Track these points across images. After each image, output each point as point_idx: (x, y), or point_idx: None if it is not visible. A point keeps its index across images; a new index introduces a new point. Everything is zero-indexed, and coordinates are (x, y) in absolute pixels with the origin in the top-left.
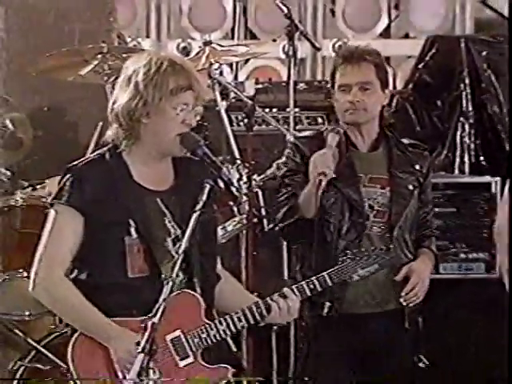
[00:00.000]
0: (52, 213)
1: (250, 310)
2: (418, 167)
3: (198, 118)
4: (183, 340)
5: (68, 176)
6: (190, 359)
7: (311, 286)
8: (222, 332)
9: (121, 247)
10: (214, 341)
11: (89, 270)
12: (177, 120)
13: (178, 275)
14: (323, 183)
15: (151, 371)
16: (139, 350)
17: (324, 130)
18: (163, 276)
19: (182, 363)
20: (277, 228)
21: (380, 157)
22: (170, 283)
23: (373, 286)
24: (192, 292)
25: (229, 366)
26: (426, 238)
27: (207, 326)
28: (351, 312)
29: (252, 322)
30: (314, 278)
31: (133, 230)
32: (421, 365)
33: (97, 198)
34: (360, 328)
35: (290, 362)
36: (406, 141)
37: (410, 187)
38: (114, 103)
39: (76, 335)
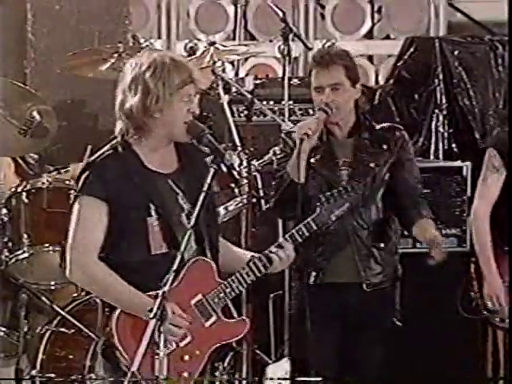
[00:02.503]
0: (77, 205)
1: (255, 264)
2: (385, 147)
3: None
4: (205, 302)
5: (88, 171)
6: (214, 318)
7: (300, 233)
8: (235, 288)
9: (143, 228)
10: (231, 297)
11: (115, 253)
12: (183, 110)
13: (186, 248)
14: (304, 143)
15: (162, 337)
16: (151, 316)
17: None
18: (173, 251)
19: (207, 323)
20: (271, 204)
21: (352, 142)
22: (179, 257)
23: (352, 259)
24: (205, 258)
25: (246, 319)
26: (417, 211)
27: (222, 285)
28: (332, 281)
29: (258, 274)
30: (301, 225)
31: (153, 211)
32: (397, 323)
33: (116, 186)
34: (341, 295)
35: (285, 327)
36: (384, 125)
37: (371, 165)
38: (123, 103)
39: (118, 312)
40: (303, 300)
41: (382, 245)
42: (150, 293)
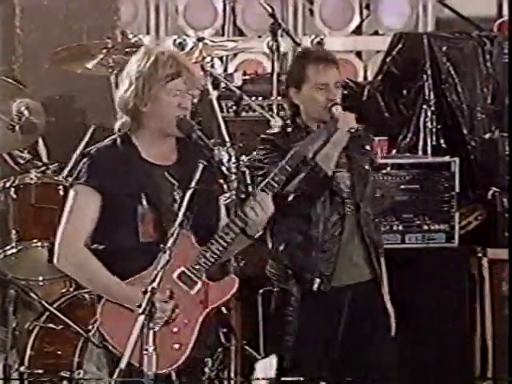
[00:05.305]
0: (72, 193)
1: (232, 221)
2: (368, 148)
3: (195, 100)
4: (187, 272)
5: (85, 160)
6: (199, 285)
7: (276, 179)
8: (216, 250)
9: (134, 216)
10: (213, 261)
11: (108, 241)
12: (172, 105)
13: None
14: (347, 135)
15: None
16: (139, 311)
17: (287, 125)
18: (161, 246)
19: (192, 291)
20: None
21: None
22: (168, 252)
23: (351, 261)
24: (183, 231)
25: (235, 277)
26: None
27: (202, 251)
28: (335, 285)
29: (237, 231)
30: (276, 170)
31: (144, 201)
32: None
33: (111, 176)
34: (343, 298)
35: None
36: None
37: (366, 166)
38: (116, 95)
39: (103, 301)
40: (306, 307)
41: (376, 241)
42: (132, 278)
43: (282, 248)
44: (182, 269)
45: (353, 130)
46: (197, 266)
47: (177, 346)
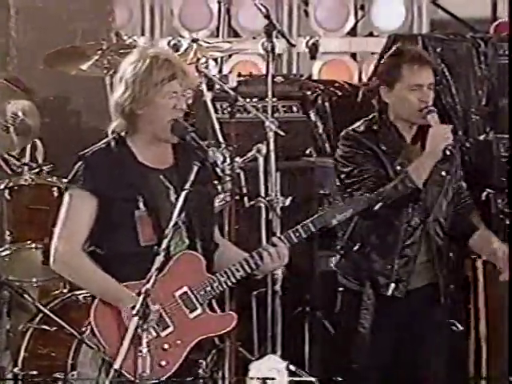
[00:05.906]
0: (67, 196)
1: (246, 261)
2: (448, 153)
3: (190, 101)
4: (190, 294)
5: (80, 163)
6: (199, 311)
7: (297, 234)
8: (223, 283)
9: (131, 220)
10: (218, 292)
11: (106, 245)
12: (167, 107)
13: (176, 244)
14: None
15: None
16: (134, 313)
17: (372, 122)
18: (155, 248)
19: (191, 315)
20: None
21: (419, 149)
22: (162, 254)
23: (420, 265)
24: (193, 252)
25: (233, 313)
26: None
27: (210, 279)
28: (410, 289)
29: (249, 270)
30: (299, 226)
31: (141, 204)
32: (454, 328)
33: (107, 179)
34: (411, 300)
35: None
36: None
37: (443, 173)
38: (111, 99)
39: (96, 301)
40: (375, 309)
41: (442, 246)
42: (131, 282)
43: (356, 248)
44: (185, 289)
45: (450, 147)
46: (201, 292)
47: (163, 362)
